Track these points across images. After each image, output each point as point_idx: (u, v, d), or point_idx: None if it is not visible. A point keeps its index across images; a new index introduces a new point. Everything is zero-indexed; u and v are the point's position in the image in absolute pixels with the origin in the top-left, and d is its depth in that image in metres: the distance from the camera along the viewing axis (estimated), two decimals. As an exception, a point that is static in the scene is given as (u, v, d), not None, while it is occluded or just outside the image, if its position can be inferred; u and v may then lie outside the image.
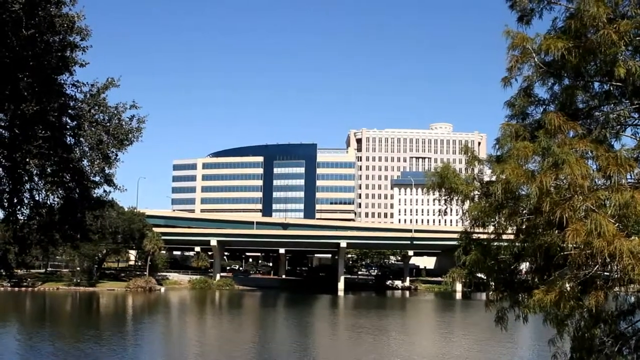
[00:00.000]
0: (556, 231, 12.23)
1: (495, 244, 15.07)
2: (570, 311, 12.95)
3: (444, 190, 15.36)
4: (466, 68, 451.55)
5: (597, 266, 11.90)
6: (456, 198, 15.25)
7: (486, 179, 15.42)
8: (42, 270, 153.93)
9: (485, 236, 15.27)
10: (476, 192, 15.23)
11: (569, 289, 12.51)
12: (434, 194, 15.77)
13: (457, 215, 17.16)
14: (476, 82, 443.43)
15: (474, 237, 15.43)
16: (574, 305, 12.60)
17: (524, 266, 15.46)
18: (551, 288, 12.44)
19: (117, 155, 23.06)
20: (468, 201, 15.18)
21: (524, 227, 14.04)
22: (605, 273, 12.64)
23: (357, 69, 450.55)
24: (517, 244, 14.38)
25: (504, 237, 15.02)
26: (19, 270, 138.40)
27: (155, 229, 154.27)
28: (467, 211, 14.95)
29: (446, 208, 15.68)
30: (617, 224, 11.68)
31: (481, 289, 17.54)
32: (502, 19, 15.49)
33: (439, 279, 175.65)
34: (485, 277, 15.75)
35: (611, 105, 14.34)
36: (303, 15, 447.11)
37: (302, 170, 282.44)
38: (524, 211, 13.66)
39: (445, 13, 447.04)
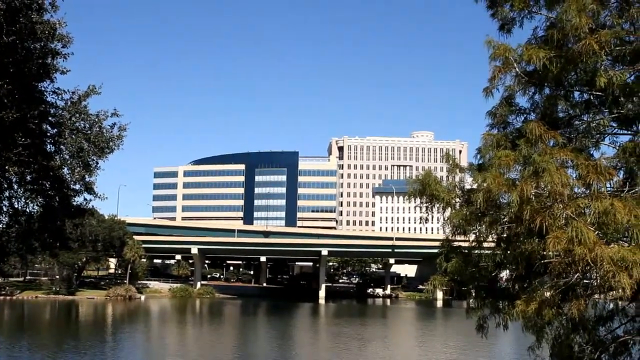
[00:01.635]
0: (537, 239, 12.32)
1: (477, 252, 15.15)
2: (550, 319, 13.03)
3: (425, 197, 15.40)
4: (448, 76, 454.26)
5: (578, 274, 12.00)
6: (437, 205, 15.30)
7: (467, 187, 15.50)
8: (21, 279, 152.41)
9: (466, 244, 15.35)
10: (457, 200, 15.31)
11: (549, 297, 12.59)
12: (415, 201, 15.83)
13: (438, 223, 17.25)
14: (458, 91, 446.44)
15: (455, 245, 15.50)
16: (554, 313, 12.68)
17: (505, 274, 15.55)
18: (532, 298, 12.52)
19: (97, 163, 22.88)
20: (449, 209, 15.24)
21: (504, 235, 14.14)
22: (585, 281, 12.74)
23: (339, 77, 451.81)
24: (498, 252, 14.46)
25: (485, 245, 15.10)
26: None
27: (136, 237, 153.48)
28: (448, 219, 15.02)
29: (427, 215, 15.72)
30: (596, 232, 11.77)
31: (462, 297, 17.62)
32: (483, 27, 15.65)
33: (420, 286, 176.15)
34: (466, 285, 15.83)
35: (591, 114, 14.48)
36: (283, 22, 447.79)
37: (283, 178, 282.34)
38: (505, 219, 13.74)
39: (427, 22, 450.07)
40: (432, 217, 15.95)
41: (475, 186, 14.44)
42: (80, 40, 22.13)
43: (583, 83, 13.99)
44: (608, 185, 12.76)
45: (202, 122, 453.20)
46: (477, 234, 14.87)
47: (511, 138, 14.50)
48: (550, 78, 13.87)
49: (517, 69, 14.42)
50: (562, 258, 11.57)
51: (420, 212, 15.84)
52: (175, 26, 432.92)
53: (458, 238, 15.32)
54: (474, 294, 15.58)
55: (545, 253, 12.03)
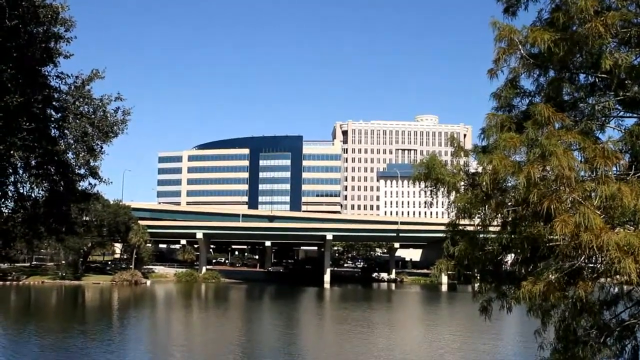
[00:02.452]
0: (542, 223, 12.29)
1: (482, 235, 15.13)
2: (556, 302, 13.03)
3: (430, 181, 15.38)
4: (452, 60, 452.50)
5: (584, 258, 11.98)
6: (442, 189, 15.28)
7: (472, 168, 15.47)
8: (27, 264, 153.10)
9: (471, 228, 15.33)
10: (462, 183, 15.28)
11: (554, 280, 12.58)
12: (420, 185, 15.81)
13: (443, 207, 17.21)
14: (462, 74, 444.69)
15: (461, 229, 15.49)
16: (560, 296, 12.68)
17: (510, 257, 15.54)
18: (538, 279, 12.51)
19: (102, 147, 22.87)
20: (454, 192, 15.22)
21: (510, 218, 14.11)
22: (590, 265, 12.73)
23: (342, 61, 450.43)
24: (504, 235, 14.43)
25: (491, 228, 15.08)
26: (3, 264, 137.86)
27: (141, 222, 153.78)
28: (453, 202, 15.00)
29: (432, 199, 15.70)
30: (603, 216, 11.75)
31: (467, 281, 17.63)
32: (487, 9, 15.55)
33: (425, 271, 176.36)
34: (471, 269, 15.83)
35: (596, 97, 14.41)
36: (287, 7, 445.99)
37: (288, 162, 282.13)
38: (510, 203, 13.72)
39: (430, 5, 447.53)
40: (437, 201, 15.94)
41: (480, 169, 14.41)
42: (82, 24, 22.07)
43: (588, 65, 13.93)
44: (614, 169, 12.72)
45: (206, 107, 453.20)
46: (483, 217, 14.85)
47: (516, 120, 14.44)
48: (555, 60, 13.80)
49: (522, 51, 14.36)
50: (569, 242, 11.55)
51: (425, 196, 15.84)
52: (179, 12, 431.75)
53: (463, 222, 15.31)
54: (479, 278, 15.59)
55: (551, 237, 12.00)
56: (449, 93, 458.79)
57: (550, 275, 12.52)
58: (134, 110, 23.50)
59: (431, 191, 15.55)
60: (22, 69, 18.70)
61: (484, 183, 12.97)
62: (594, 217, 11.36)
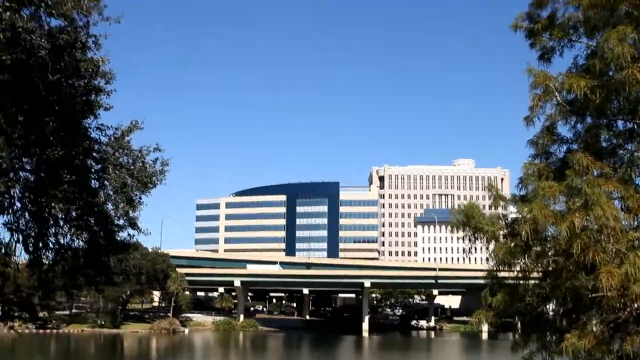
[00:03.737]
0: (585, 274, 12.03)
1: (522, 286, 14.86)
2: (602, 356, 12.67)
3: (469, 229, 15.23)
4: (488, 103, 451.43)
5: (633, 310, 11.66)
6: (481, 237, 15.10)
7: (510, 216, 15.29)
8: (67, 312, 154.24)
9: (511, 277, 15.08)
10: (502, 232, 15.09)
11: (599, 332, 12.26)
12: (459, 233, 15.66)
13: (481, 253, 17.01)
14: (498, 117, 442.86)
15: (501, 279, 15.24)
16: (606, 350, 12.32)
17: (550, 308, 15.21)
18: (583, 332, 12.19)
19: (140, 198, 23.10)
20: (493, 241, 15.03)
21: (551, 268, 13.85)
22: (636, 318, 12.37)
23: (379, 105, 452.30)
24: (545, 286, 14.14)
25: (530, 278, 14.82)
26: (43, 313, 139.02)
27: (179, 270, 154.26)
28: (493, 252, 14.79)
29: (471, 247, 15.52)
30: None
31: (508, 330, 17.27)
32: (523, 56, 15.55)
33: (465, 318, 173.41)
34: (511, 319, 15.53)
35: (635, 143, 14.21)
36: (321, 50, 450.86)
37: (325, 208, 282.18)
38: (551, 253, 13.48)
39: (468, 50, 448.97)
40: (476, 247, 15.75)
41: (519, 217, 14.23)
42: (122, 76, 22.49)
43: (626, 112, 13.78)
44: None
45: (244, 153, 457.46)
46: (523, 267, 14.61)
47: (554, 168, 14.29)
48: (592, 107, 13.68)
49: (558, 98, 14.27)
50: (617, 294, 11.26)
51: (464, 244, 15.67)
52: (214, 59, 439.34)
53: (502, 271, 15.07)
54: (519, 329, 15.27)
55: (595, 288, 11.72)
56: (485, 136, 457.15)
57: (594, 328, 12.19)
58: (172, 157, 23.79)
59: (470, 240, 15.38)
60: (64, 121, 19.05)
61: (524, 232, 12.77)
62: (643, 268, 11.10)
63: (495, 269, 15.02)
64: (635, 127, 14.07)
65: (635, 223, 12.02)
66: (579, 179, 12.61)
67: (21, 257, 23.05)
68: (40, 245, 22.11)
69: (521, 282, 14.87)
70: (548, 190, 12.82)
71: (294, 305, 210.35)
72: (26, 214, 21.27)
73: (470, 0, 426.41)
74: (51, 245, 22.53)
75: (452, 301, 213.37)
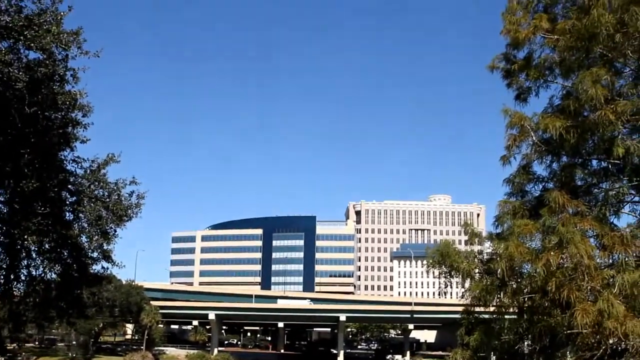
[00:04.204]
0: (560, 311, 12.09)
1: (498, 324, 14.88)
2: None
3: (444, 267, 15.28)
4: (464, 140, 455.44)
5: (606, 346, 11.71)
6: (457, 275, 15.14)
7: (486, 253, 15.37)
8: (38, 344, 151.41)
9: (487, 314, 15.10)
10: (477, 270, 15.14)
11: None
12: (434, 271, 15.70)
13: (457, 288, 17.04)
14: (474, 154, 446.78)
15: (477, 317, 15.26)
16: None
17: (526, 344, 15.22)
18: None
19: (115, 231, 22.96)
20: (469, 279, 15.07)
21: (526, 306, 13.89)
22: (612, 355, 12.41)
23: (355, 140, 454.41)
24: (522, 323, 14.19)
25: (506, 314, 14.85)
26: (13, 345, 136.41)
27: (153, 302, 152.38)
28: (468, 290, 14.83)
29: (447, 286, 15.57)
30: (624, 304, 11.54)
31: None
32: (500, 92, 15.78)
33: (440, 353, 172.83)
34: (488, 356, 15.52)
35: (610, 182, 14.39)
36: (301, 85, 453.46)
37: (301, 242, 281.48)
38: (527, 290, 13.54)
39: (444, 88, 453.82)
40: (452, 281, 15.78)
41: (494, 255, 14.29)
42: (99, 109, 22.39)
43: (600, 152, 13.97)
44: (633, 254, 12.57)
45: (220, 186, 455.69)
46: (498, 304, 14.65)
47: (529, 206, 14.41)
48: (567, 147, 13.86)
49: (533, 137, 14.45)
50: (592, 331, 11.32)
51: (440, 280, 15.70)
52: (190, 91, 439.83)
53: (478, 309, 15.09)
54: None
55: (570, 325, 11.77)
56: (462, 172, 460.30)
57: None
58: (148, 190, 23.68)
59: (446, 277, 15.42)
60: (39, 153, 18.94)
61: (500, 270, 12.84)
62: (617, 305, 11.18)
63: (471, 306, 15.04)
64: (610, 166, 14.26)
65: (610, 261, 12.11)
66: (554, 218, 12.74)
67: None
68: (12, 277, 21.84)
69: (497, 319, 14.87)
70: (524, 228, 12.93)
71: (269, 338, 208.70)
72: (-2, 246, 21.02)
73: (449, 40, 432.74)
74: (23, 278, 22.26)
75: (428, 336, 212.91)
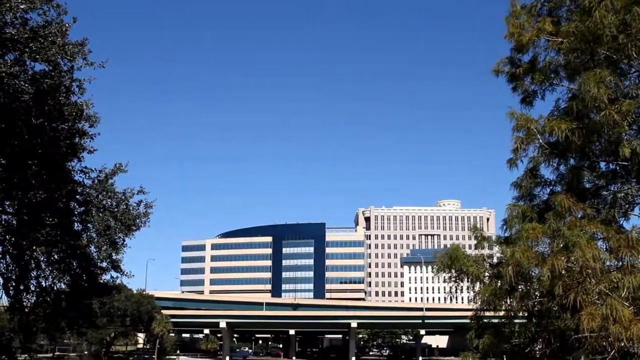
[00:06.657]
0: (570, 315, 12.01)
1: (508, 328, 14.80)
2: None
3: (453, 271, 15.22)
4: (473, 145, 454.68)
5: (616, 350, 11.61)
6: (466, 279, 15.09)
7: (496, 257, 15.32)
8: (49, 355, 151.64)
9: (496, 318, 15.04)
10: (486, 274, 15.08)
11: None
12: (444, 275, 15.65)
13: (468, 292, 16.99)
14: (483, 158, 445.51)
15: (486, 321, 15.19)
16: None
17: (537, 348, 15.14)
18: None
19: (124, 240, 23.04)
20: (478, 282, 15.01)
21: (536, 310, 13.81)
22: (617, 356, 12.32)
23: (364, 147, 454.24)
24: (531, 327, 14.11)
25: (516, 319, 14.77)
26: (24, 356, 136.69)
27: (164, 311, 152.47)
28: (478, 293, 14.76)
29: (456, 290, 15.51)
30: (631, 307, 11.44)
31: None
32: (506, 97, 15.71)
33: (453, 358, 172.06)
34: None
35: (618, 184, 14.31)
36: (309, 92, 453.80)
37: (311, 249, 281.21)
38: (535, 294, 13.46)
39: (453, 93, 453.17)
40: (463, 286, 15.73)
41: (503, 259, 14.23)
42: (107, 119, 22.45)
43: (608, 153, 13.87)
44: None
45: (230, 194, 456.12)
46: (508, 308, 14.58)
47: (538, 210, 14.33)
48: (574, 149, 13.78)
49: (540, 140, 14.38)
50: (598, 335, 11.23)
51: (449, 287, 15.64)
52: (200, 101, 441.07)
53: (488, 313, 15.02)
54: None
55: (579, 329, 11.69)
56: (471, 177, 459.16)
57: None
58: (157, 199, 23.73)
59: (455, 281, 15.37)
60: (47, 164, 18.99)
61: (508, 275, 12.76)
62: (622, 309, 11.08)
63: (480, 310, 14.98)
64: (617, 168, 14.17)
65: (620, 263, 12.01)
66: (560, 221, 12.66)
67: (2, 300, 22.81)
68: (22, 288, 21.90)
69: (507, 323, 14.80)
70: (531, 232, 12.85)
71: (280, 346, 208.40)
72: (7, 257, 21.09)
73: (454, 45, 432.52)
74: (32, 288, 22.31)
75: (440, 341, 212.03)
